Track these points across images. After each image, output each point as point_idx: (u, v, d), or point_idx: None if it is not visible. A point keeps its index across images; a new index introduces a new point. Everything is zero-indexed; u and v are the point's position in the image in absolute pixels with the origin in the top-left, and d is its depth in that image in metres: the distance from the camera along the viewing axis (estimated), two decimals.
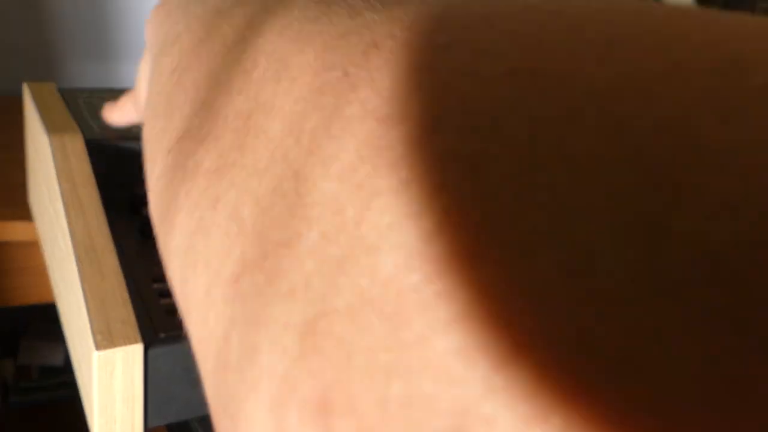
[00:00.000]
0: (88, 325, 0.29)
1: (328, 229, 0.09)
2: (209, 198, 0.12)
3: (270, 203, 0.10)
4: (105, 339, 0.29)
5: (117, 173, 0.42)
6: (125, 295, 0.31)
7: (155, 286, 0.34)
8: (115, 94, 0.52)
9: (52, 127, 0.41)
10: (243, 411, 0.09)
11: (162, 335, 0.30)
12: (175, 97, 0.15)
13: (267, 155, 0.11)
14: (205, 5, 0.18)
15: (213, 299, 0.11)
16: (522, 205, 0.07)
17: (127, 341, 0.29)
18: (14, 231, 0.68)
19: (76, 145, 0.39)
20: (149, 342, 0.30)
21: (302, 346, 0.08)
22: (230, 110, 0.13)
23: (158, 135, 0.16)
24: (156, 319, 0.31)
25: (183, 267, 0.13)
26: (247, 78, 0.13)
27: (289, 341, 0.09)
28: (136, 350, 0.29)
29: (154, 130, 0.16)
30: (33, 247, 0.73)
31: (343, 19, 0.11)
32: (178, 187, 0.13)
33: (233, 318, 0.10)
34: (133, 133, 0.43)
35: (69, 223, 0.34)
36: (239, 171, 0.12)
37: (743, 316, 0.06)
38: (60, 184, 0.36)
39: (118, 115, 0.36)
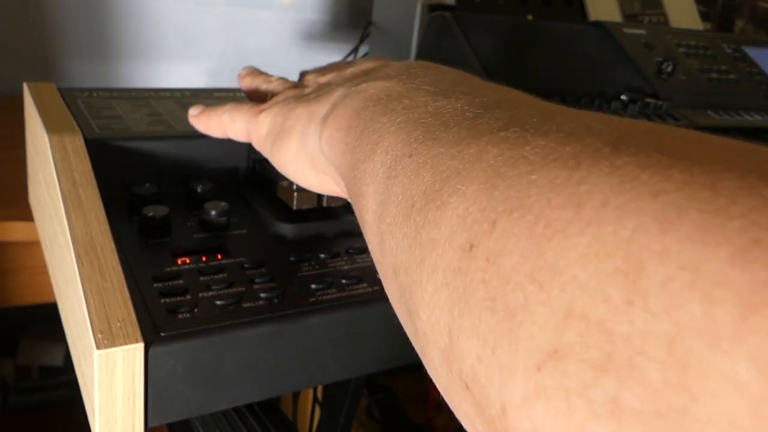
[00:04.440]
0: (88, 325, 0.29)
1: None
2: None
3: None
4: (105, 338, 0.29)
5: (117, 173, 0.42)
6: (126, 294, 0.31)
7: (155, 285, 0.34)
8: (115, 93, 0.52)
9: (52, 126, 0.41)
10: None
11: (163, 334, 0.30)
12: (500, 289, 0.14)
13: (747, 407, 0.10)
14: (440, 144, 0.18)
15: None
16: None
17: (128, 340, 0.29)
18: (14, 231, 0.68)
19: (76, 145, 0.39)
20: (150, 341, 0.30)
21: None
22: (625, 328, 0.12)
23: (493, 335, 0.14)
24: (156, 318, 0.31)
25: None
26: (631, 285, 0.12)
27: None
28: (137, 349, 0.29)
29: (475, 323, 0.15)
30: (33, 247, 0.73)
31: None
32: (590, 424, 0.12)
33: None
34: (133, 133, 0.43)
35: (69, 223, 0.34)
36: (708, 425, 0.10)
37: None
38: (60, 184, 0.36)
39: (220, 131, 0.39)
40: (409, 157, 0.20)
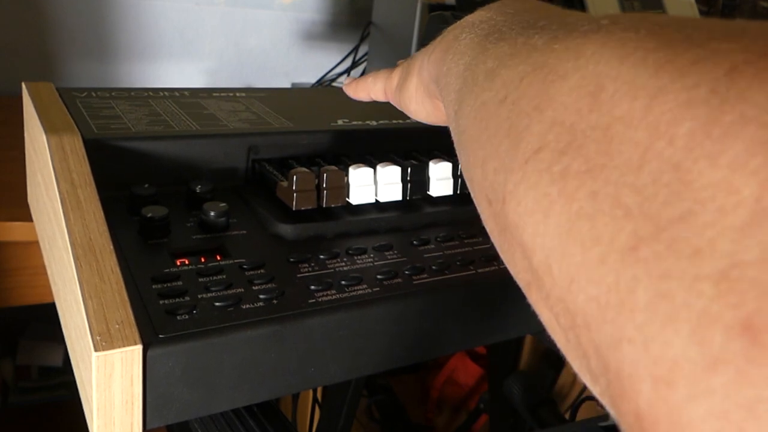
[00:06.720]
0: (86, 326, 0.29)
1: (725, 205, 0.12)
2: (586, 192, 0.16)
3: (653, 192, 0.14)
4: (104, 340, 0.28)
5: (116, 174, 0.42)
6: (124, 295, 0.31)
7: (154, 286, 0.34)
8: (114, 93, 0.52)
9: (50, 126, 0.41)
10: (662, 336, 0.13)
11: (161, 336, 0.30)
12: (516, 120, 0.20)
13: (637, 156, 0.15)
14: (506, 41, 0.24)
15: (610, 265, 0.14)
16: None
17: (126, 342, 0.29)
18: (14, 231, 0.68)
19: (75, 145, 0.39)
20: (148, 343, 0.29)
21: (718, 289, 0.12)
22: (584, 125, 0.17)
23: (507, 152, 0.20)
24: (155, 320, 0.31)
25: (563, 244, 0.16)
26: (594, 99, 0.17)
27: (704, 286, 0.12)
28: (135, 351, 0.29)
29: (497, 148, 0.20)
30: (32, 247, 0.73)
31: (689, 48, 0.15)
32: (547, 187, 0.17)
33: (636, 276, 0.14)
34: (132, 133, 0.43)
35: (67, 223, 0.34)
36: (612, 171, 0.15)
37: None
38: (59, 184, 0.36)
39: (366, 94, 0.46)
40: (482, 53, 0.25)
